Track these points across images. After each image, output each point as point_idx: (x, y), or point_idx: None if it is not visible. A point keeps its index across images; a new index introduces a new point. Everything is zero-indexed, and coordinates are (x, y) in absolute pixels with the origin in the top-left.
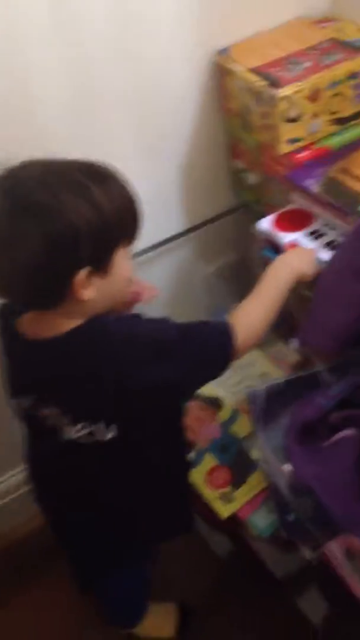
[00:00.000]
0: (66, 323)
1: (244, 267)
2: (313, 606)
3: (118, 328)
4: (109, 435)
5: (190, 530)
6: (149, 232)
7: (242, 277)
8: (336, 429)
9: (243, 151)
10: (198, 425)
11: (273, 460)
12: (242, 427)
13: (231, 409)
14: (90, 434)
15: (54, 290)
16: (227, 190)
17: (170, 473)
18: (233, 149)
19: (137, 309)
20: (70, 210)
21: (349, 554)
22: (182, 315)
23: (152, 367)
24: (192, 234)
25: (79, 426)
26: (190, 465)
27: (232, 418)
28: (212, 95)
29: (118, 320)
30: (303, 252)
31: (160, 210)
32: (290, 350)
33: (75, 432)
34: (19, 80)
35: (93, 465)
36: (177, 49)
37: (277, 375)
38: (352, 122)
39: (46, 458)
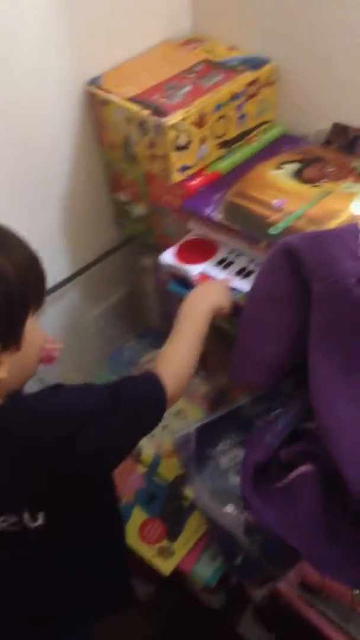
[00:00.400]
0: None
1: (134, 302)
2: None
3: (41, 406)
4: (37, 524)
5: (131, 603)
6: None
7: (132, 313)
8: (289, 465)
9: (126, 183)
10: (120, 479)
11: (213, 504)
12: (167, 472)
13: (152, 456)
14: (15, 523)
15: None
16: (111, 226)
17: (107, 544)
18: (114, 182)
19: None
20: None
21: (303, 586)
22: (77, 362)
23: (83, 440)
24: (79, 277)
25: (2, 518)
26: (124, 529)
27: (154, 464)
28: (87, 128)
29: (39, 396)
30: (215, 284)
31: (44, 257)
32: (200, 382)
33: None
34: None
35: (20, 557)
36: (45, 86)
37: (193, 411)
38: (237, 144)
39: None
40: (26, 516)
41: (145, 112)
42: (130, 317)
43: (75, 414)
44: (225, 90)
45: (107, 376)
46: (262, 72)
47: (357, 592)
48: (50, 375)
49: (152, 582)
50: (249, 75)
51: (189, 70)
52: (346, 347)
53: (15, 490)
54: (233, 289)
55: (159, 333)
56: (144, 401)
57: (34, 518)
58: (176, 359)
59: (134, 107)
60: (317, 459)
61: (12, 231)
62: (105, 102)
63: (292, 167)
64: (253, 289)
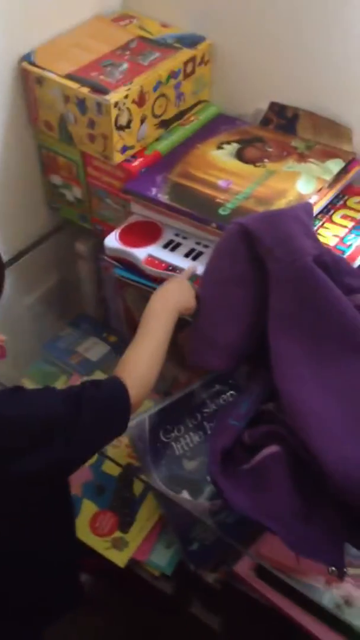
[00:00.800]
0: None
1: (68, 289)
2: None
3: (2, 413)
4: None
5: (79, 604)
6: None
7: (67, 300)
8: (253, 448)
9: (61, 165)
10: None
11: (168, 492)
12: (114, 462)
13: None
14: None
15: None
16: (44, 211)
17: (59, 540)
18: (47, 165)
19: None
20: None
21: (259, 570)
22: (14, 353)
23: (45, 449)
24: (11, 266)
25: None
26: (74, 524)
27: (101, 455)
28: (17, 107)
29: None
30: (178, 282)
31: None
32: None
33: None
34: None
35: None
36: None
37: None
38: (175, 124)
39: None
40: None
41: (85, 90)
42: (64, 304)
43: (37, 421)
44: (164, 67)
45: (41, 365)
46: (199, 50)
47: (333, 569)
48: None
49: (97, 575)
50: (186, 53)
51: (124, 47)
52: (306, 325)
53: None
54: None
55: (94, 320)
56: (107, 408)
57: None
58: (140, 363)
59: (73, 85)
60: (282, 440)
61: None
62: (40, 79)
63: (232, 147)
64: (208, 271)
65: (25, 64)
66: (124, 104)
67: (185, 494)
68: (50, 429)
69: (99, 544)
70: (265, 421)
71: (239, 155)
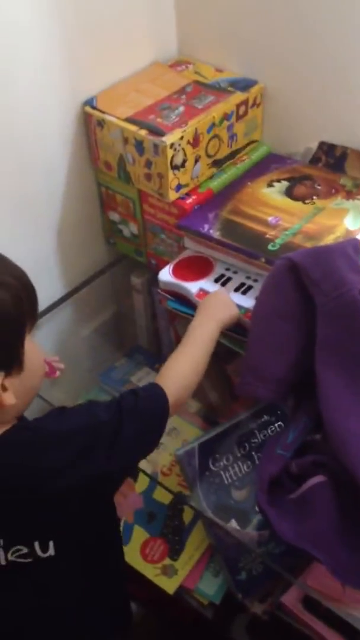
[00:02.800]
0: None
1: (124, 321)
2: None
3: (49, 429)
4: (47, 554)
5: (129, 629)
6: None
7: (122, 332)
8: (300, 477)
9: (118, 203)
10: (118, 499)
11: (217, 521)
12: (165, 490)
13: (149, 474)
14: (26, 554)
15: None
16: (102, 246)
17: (110, 567)
18: (106, 202)
19: None
20: None
21: (307, 602)
22: (70, 381)
23: (90, 462)
24: (71, 297)
25: (13, 549)
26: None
27: (152, 483)
28: (80, 149)
29: (46, 420)
30: (220, 296)
31: (35, 279)
32: (191, 400)
33: (10, 555)
34: None
35: (32, 587)
36: (44, 104)
37: (187, 428)
38: (228, 163)
39: None
40: (37, 546)
41: (143, 132)
42: (120, 335)
43: (81, 431)
44: (218, 110)
45: (97, 395)
46: (251, 94)
47: None
48: (43, 394)
49: (145, 603)
50: (238, 96)
51: (180, 91)
52: (351, 356)
53: (23, 520)
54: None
55: (148, 352)
56: (148, 415)
57: (44, 547)
58: (180, 372)
59: (131, 127)
60: (328, 470)
61: None
62: (102, 123)
63: (282, 185)
64: (257, 305)
65: (87, 108)
66: (179, 145)
67: (233, 523)
68: (93, 437)
69: (149, 571)
70: (313, 451)
71: (289, 193)
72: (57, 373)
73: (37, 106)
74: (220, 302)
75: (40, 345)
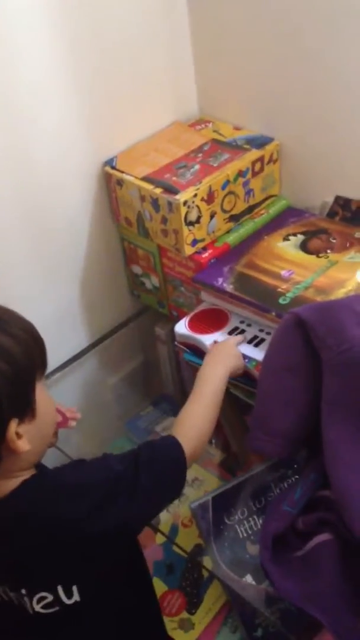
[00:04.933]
0: (4, 484)
1: (149, 370)
2: None
3: (67, 479)
4: (72, 600)
5: None
6: (54, 354)
7: (148, 381)
8: (306, 534)
9: (140, 257)
10: None
11: (231, 575)
12: (185, 542)
13: (170, 526)
14: (51, 603)
15: None
16: (126, 297)
17: (142, 607)
18: (129, 255)
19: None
20: None
21: None
22: (95, 430)
23: (108, 512)
24: (96, 347)
25: (37, 597)
26: (152, 585)
27: (172, 535)
28: (102, 206)
29: (64, 470)
30: (227, 346)
31: (62, 330)
32: (214, 450)
33: (35, 604)
34: None
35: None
36: (66, 165)
37: (208, 477)
38: (245, 217)
39: None
40: (61, 592)
41: (158, 190)
42: (146, 384)
43: (97, 485)
44: (232, 168)
45: (123, 443)
46: (267, 151)
47: None
48: (68, 444)
49: None
50: (254, 154)
51: (198, 149)
52: (355, 413)
53: (44, 567)
54: (244, 355)
55: (174, 400)
56: (164, 464)
57: (68, 593)
58: (193, 421)
59: (147, 186)
60: (334, 527)
61: (1, 306)
62: (120, 182)
63: (298, 239)
64: (265, 358)
65: (107, 168)
66: (193, 202)
67: (248, 578)
68: (111, 489)
69: (166, 624)
70: (321, 508)
71: (304, 247)
72: (71, 423)
73: (60, 167)
74: (228, 349)
75: (51, 395)
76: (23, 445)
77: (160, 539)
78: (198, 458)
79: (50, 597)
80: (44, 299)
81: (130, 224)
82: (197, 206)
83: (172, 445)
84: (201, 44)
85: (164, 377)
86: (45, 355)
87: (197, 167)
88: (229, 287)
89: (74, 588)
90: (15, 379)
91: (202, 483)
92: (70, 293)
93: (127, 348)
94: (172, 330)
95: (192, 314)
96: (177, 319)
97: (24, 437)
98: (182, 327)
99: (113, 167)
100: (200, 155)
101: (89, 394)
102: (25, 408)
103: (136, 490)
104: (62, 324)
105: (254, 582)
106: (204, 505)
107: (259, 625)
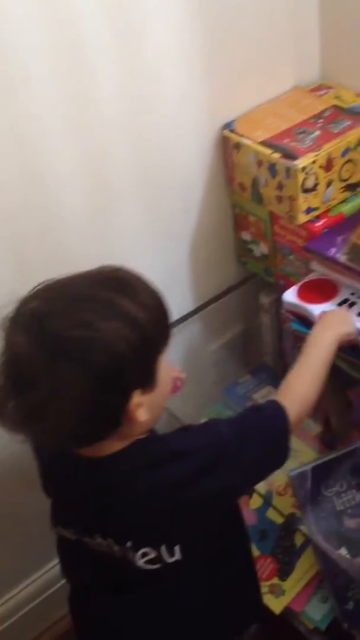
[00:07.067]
0: (118, 444)
1: (250, 339)
2: None
3: (172, 446)
4: (174, 558)
5: (260, 619)
6: None
7: (248, 349)
8: None
9: (250, 223)
10: None
11: (326, 547)
12: (279, 510)
13: (264, 492)
14: (154, 559)
15: (107, 427)
16: (233, 264)
17: (238, 565)
18: (239, 222)
19: None
20: (109, 338)
21: None
22: (194, 394)
23: (210, 479)
24: (201, 312)
25: (141, 552)
26: (249, 544)
27: (267, 501)
28: (217, 169)
29: (170, 437)
30: (340, 313)
31: (172, 291)
32: (313, 423)
33: (139, 559)
34: (35, 175)
35: (161, 594)
36: (185, 128)
37: (305, 450)
38: None
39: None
40: (164, 550)
41: (276, 155)
42: (245, 353)
43: (203, 449)
44: (353, 135)
45: (219, 409)
46: None
47: None
48: (169, 405)
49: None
50: None
51: (318, 115)
52: None
53: (147, 526)
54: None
55: (272, 370)
56: (268, 429)
57: (171, 552)
58: (299, 386)
59: (266, 151)
60: None
61: (134, 273)
62: (238, 146)
63: None
64: None
65: (226, 132)
66: (311, 169)
67: (343, 551)
68: (216, 455)
69: None
70: None
71: None
72: (179, 390)
73: (179, 127)
74: (340, 316)
75: (169, 363)
76: (142, 414)
77: (255, 503)
78: (301, 424)
79: (153, 554)
80: (152, 258)
81: (244, 189)
82: (315, 173)
83: (279, 414)
84: (329, 7)
85: (264, 347)
86: (170, 326)
87: (317, 132)
88: (342, 258)
89: (177, 548)
90: (143, 350)
91: (298, 454)
92: (179, 257)
93: (229, 315)
94: (276, 299)
95: (301, 283)
96: (284, 288)
97: (144, 407)
98: (291, 296)
99: (231, 130)
100: (320, 121)
101: (189, 359)
102: (148, 378)
103: (240, 457)
104: (168, 286)
105: (349, 555)
106: (303, 475)
107: (350, 598)
